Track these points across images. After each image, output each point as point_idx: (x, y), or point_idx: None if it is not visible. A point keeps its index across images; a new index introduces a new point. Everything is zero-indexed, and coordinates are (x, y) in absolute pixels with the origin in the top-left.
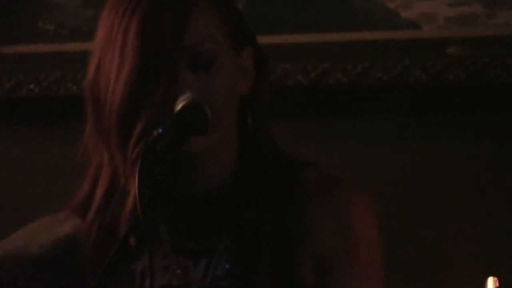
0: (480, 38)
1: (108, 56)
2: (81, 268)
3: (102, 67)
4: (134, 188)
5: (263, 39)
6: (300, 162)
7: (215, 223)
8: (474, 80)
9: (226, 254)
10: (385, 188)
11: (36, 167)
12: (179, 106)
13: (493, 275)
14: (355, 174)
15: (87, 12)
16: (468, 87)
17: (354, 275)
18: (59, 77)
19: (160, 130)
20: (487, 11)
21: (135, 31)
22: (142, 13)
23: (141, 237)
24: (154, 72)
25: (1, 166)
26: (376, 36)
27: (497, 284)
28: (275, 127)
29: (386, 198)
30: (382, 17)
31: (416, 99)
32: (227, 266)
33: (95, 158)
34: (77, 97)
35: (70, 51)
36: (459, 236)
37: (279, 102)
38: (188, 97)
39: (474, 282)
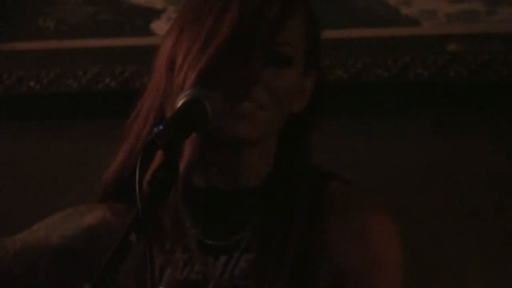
0: (480, 35)
1: (196, 27)
2: (101, 260)
3: (185, 36)
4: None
5: None
6: (329, 174)
7: (239, 221)
8: (474, 76)
9: (246, 253)
10: (383, 185)
11: (36, 164)
12: (180, 102)
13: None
14: (353, 171)
15: (88, 9)
16: (468, 84)
17: None
18: (59, 74)
19: (161, 127)
20: (487, 8)
21: (235, 10)
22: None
23: (141, 232)
24: (237, 56)
25: (1, 162)
26: (377, 33)
27: None
28: None
29: (386, 195)
30: (382, 14)
31: (417, 95)
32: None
33: (131, 139)
34: (78, 94)
35: (70, 48)
36: (462, 238)
37: None
38: (189, 94)
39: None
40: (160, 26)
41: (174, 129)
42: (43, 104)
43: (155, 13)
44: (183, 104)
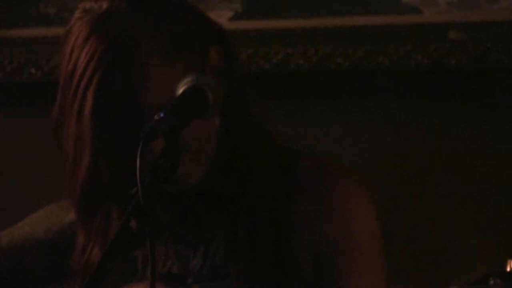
0: (481, 23)
1: (70, 119)
2: None
3: (64, 108)
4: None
5: (264, 24)
6: (299, 150)
7: (210, 215)
8: (475, 64)
9: (224, 244)
10: (385, 171)
11: (37, 150)
12: (180, 90)
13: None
14: (353, 158)
15: None
16: (469, 72)
17: (352, 269)
18: (60, 61)
19: (161, 114)
20: None
21: (89, 110)
22: (96, 89)
23: (142, 220)
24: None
25: (1, 148)
26: (378, 20)
27: None
28: (275, 110)
29: (382, 182)
30: (383, 1)
31: (418, 83)
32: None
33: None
34: None
35: None
36: (458, 224)
37: (280, 86)
38: (189, 81)
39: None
40: None
41: (174, 117)
42: (44, 91)
43: None
44: (183, 91)
